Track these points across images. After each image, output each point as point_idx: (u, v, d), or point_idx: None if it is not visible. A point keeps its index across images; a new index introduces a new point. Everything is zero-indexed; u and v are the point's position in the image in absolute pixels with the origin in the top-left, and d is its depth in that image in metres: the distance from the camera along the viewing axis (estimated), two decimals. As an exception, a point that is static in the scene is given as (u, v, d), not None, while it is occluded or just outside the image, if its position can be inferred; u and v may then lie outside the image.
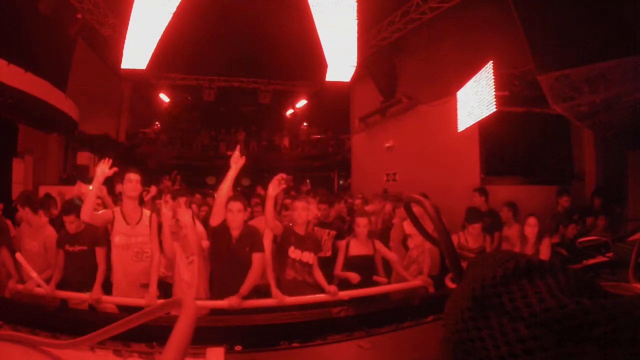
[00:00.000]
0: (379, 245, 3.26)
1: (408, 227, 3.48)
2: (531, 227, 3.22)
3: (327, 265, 3.44)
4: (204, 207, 4.50)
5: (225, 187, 2.64)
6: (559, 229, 4.18)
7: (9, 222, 3.65)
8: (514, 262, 0.36)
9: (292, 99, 13.60)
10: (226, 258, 2.69)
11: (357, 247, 3.20)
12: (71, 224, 2.91)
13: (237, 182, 2.87)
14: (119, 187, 2.83)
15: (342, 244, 3.26)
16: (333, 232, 3.67)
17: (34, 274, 2.58)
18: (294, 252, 2.82)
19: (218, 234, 2.72)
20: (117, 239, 2.77)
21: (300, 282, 2.81)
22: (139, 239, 2.78)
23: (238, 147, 2.74)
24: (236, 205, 2.69)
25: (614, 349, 0.29)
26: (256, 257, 2.66)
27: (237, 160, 2.64)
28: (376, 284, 3.19)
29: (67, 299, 2.72)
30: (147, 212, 2.91)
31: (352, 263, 3.14)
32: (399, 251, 3.47)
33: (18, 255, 2.69)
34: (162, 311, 0.50)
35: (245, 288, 2.51)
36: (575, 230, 4.13)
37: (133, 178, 2.78)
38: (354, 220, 3.36)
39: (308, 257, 2.84)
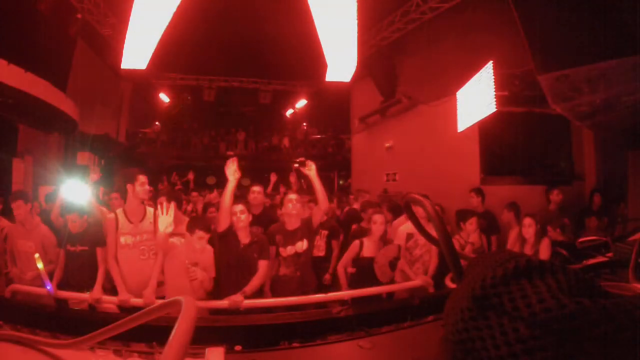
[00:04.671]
0: (389, 250, 3.20)
1: (410, 226, 3.44)
2: (526, 227, 3.22)
3: (319, 265, 3.43)
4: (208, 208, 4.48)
5: (227, 199, 2.70)
6: (556, 228, 4.12)
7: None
8: (514, 262, 0.36)
9: (292, 99, 13.59)
10: (234, 263, 2.71)
11: (370, 249, 3.11)
12: (73, 223, 2.91)
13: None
14: (129, 188, 2.83)
15: (355, 242, 3.17)
16: (325, 232, 3.65)
17: (44, 274, 2.57)
18: (285, 251, 2.84)
19: (225, 239, 2.75)
20: (122, 240, 2.77)
21: (290, 277, 2.83)
22: (144, 237, 2.79)
23: (236, 159, 2.74)
24: (239, 208, 2.75)
25: (614, 349, 0.29)
26: (262, 263, 2.71)
27: (234, 173, 2.69)
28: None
29: (67, 299, 2.71)
30: (150, 209, 2.91)
31: (364, 265, 3.07)
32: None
33: (37, 255, 2.67)
34: (162, 311, 0.50)
35: (249, 288, 2.53)
36: (571, 226, 4.10)
37: (144, 181, 2.81)
38: (368, 218, 3.29)
39: (301, 246, 2.85)
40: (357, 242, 3.16)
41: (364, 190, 6.24)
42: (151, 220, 2.83)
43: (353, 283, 3.04)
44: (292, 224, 2.89)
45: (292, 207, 2.86)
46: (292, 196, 2.92)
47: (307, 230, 2.90)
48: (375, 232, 3.10)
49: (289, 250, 2.83)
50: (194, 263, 2.63)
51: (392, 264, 3.16)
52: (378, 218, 3.11)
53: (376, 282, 3.03)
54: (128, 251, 2.77)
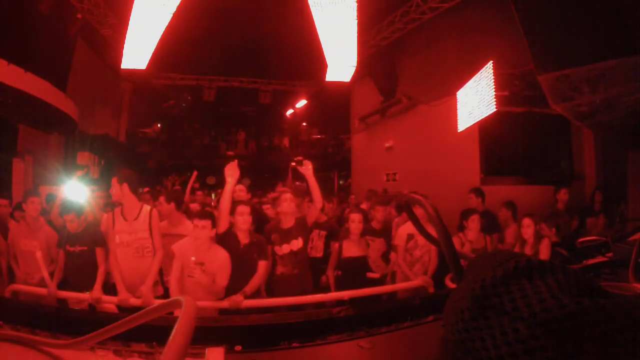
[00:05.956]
0: (378, 243, 3.23)
1: (410, 226, 3.44)
2: (525, 227, 3.22)
3: (317, 266, 3.44)
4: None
5: (226, 199, 2.70)
6: (559, 228, 4.11)
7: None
8: (514, 262, 0.36)
9: (292, 99, 13.59)
10: (234, 263, 2.70)
11: (350, 249, 3.15)
12: (71, 223, 2.91)
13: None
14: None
15: (335, 245, 3.24)
16: (323, 232, 3.65)
17: (46, 274, 2.56)
18: (280, 249, 2.85)
19: (226, 240, 2.75)
20: (117, 238, 2.78)
21: (288, 275, 2.84)
22: (138, 235, 2.79)
23: (236, 162, 2.76)
24: (243, 208, 2.75)
25: (614, 349, 0.29)
26: (262, 264, 2.72)
27: (233, 174, 2.70)
28: (375, 283, 3.17)
29: (67, 299, 2.71)
30: (146, 207, 2.93)
31: (346, 265, 3.11)
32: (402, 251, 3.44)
33: (39, 253, 2.67)
34: (162, 311, 0.50)
35: (249, 288, 2.53)
36: (577, 225, 4.10)
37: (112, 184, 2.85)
38: (347, 218, 3.34)
39: (296, 244, 2.86)
40: (336, 245, 3.22)
41: (375, 190, 6.21)
42: (146, 219, 2.83)
43: (342, 285, 3.05)
44: (287, 222, 2.91)
45: (287, 205, 2.88)
46: (287, 195, 2.94)
47: (302, 228, 2.92)
48: (354, 231, 3.14)
49: (285, 248, 2.85)
50: (199, 262, 2.56)
51: (385, 257, 3.18)
52: (355, 217, 3.15)
53: (365, 282, 3.05)
54: (123, 249, 2.77)
